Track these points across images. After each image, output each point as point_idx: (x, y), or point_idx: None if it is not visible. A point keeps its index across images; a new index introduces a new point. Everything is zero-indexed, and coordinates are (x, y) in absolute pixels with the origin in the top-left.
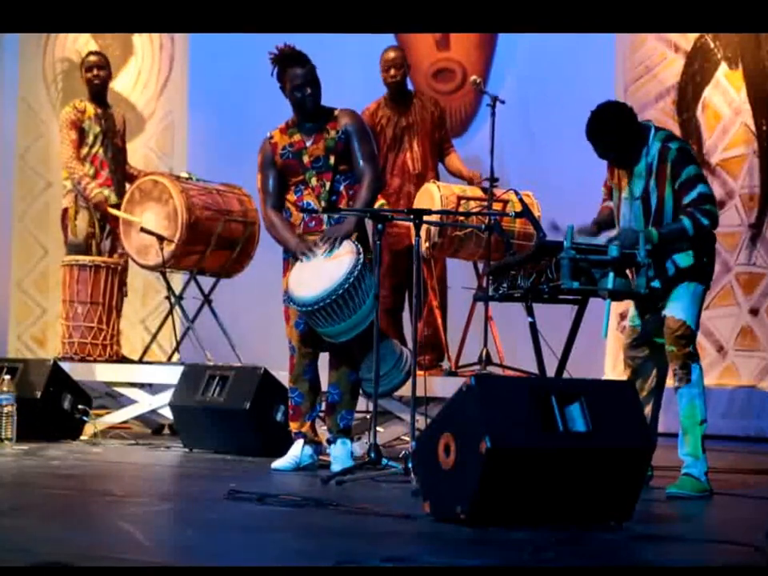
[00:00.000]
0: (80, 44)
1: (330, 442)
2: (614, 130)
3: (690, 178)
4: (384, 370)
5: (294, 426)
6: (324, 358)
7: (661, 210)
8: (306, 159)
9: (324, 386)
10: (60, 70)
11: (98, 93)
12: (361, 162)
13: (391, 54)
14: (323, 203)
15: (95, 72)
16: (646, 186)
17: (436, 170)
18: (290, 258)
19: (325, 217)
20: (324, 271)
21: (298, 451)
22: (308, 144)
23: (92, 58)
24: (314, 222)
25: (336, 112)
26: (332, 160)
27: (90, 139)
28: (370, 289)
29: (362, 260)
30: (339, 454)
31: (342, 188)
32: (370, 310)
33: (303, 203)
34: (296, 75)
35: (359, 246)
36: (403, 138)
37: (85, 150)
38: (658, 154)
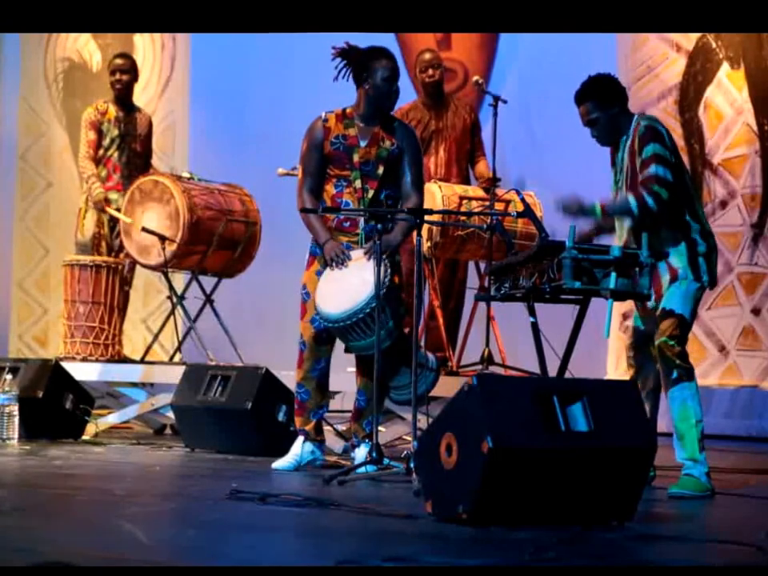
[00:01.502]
0: (80, 44)
1: (354, 446)
2: (596, 91)
3: (648, 156)
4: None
5: (297, 422)
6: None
7: (635, 186)
8: (355, 158)
9: (333, 386)
10: (61, 69)
11: (121, 96)
12: (409, 186)
13: (429, 55)
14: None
15: (118, 76)
16: (627, 169)
17: (462, 177)
18: (318, 255)
19: (361, 220)
20: (350, 286)
21: (298, 449)
22: (361, 144)
23: (117, 61)
24: (348, 223)
25: (395, 123)
26: (381, 170)
27: (107, 142)
28: (397, 306)
29: (388, 277)
30: (365, 458)
31: (382, 197)
32: (395, 327)
33: (343, 201)
34: (389, 67)
35: (387, 261)
36: (430, 142)
37: (100, 153)
38: (632, 134)
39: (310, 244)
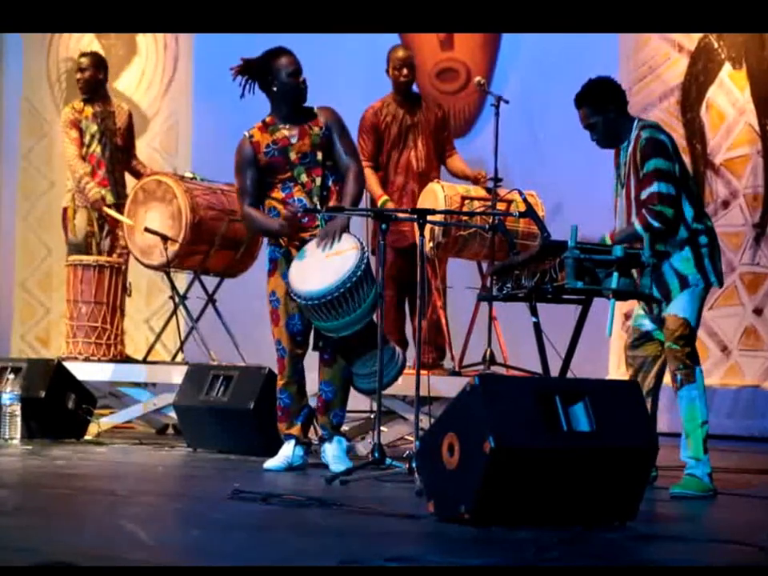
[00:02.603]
0: (83, 44)
1: (323, 439)
2: (593, 96)
3: (649, 172)
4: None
5: (282, 428)
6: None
7: (639, 198)
8: (293, 156)
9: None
10: (64, 69)
11: (89, 92)
12: (344, 157)
13: (403, 53)
14: (315, 199)
15: (78, 75)
16: (627, 177)
17: (439, 170)
18: (279, 258)
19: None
20: (329, 266)
21: (289, 452)
22: (293, 141)
23: (79, 60)
24: (306, 218)
25: (315, 109)
26: (319, 156)
27: (87, 139)
28: (373, 284)
29: (367, 254)
30: (336, 453)
31: (330, 183)
32: (372, 306)
33: (294, 200)
34: (291, 61)
35: (362, 240)
36: (408, 136)
37: (83, 150)
38: (633, 142)
39: (268, 250)
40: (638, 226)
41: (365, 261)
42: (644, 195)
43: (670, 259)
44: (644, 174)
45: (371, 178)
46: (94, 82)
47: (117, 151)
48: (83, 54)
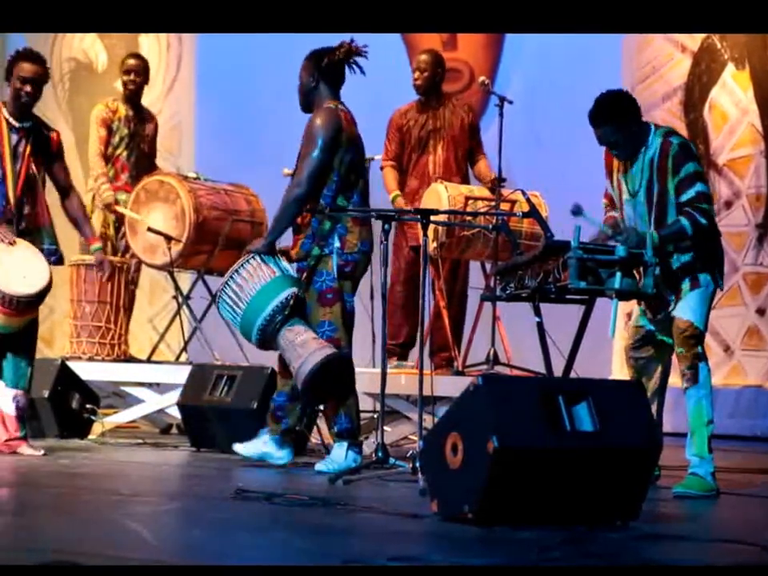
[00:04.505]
0: (86, 44)
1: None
2: (613, 114)
3: (689, 175)
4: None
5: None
6: None
7: (662, 204)
8: None
9: None
10: (67, 69)
11: (131, 97)
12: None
13: (419, 57)
14: None
15: (132, 77)
16: (649, 183)
17: (462, 176)
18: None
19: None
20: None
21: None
22: None
23: (131, 62)
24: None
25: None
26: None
27: (116, 140)
28: (256, 287)
29: (243, 261)
30: (330, 455)
31: None
32: (261, 308)
33: None
34: None
35: (255, 252)
36: (428, 141)
37: (109, 151)
38: (659, 149)
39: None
40: (686, 223)
41: (245, 263)
42: (686, 197)
43: (680, 259)
44: (682, 177)
45: (389, 177)
46: (143, 87)
47: (142, 157)
48: (135, 56)
